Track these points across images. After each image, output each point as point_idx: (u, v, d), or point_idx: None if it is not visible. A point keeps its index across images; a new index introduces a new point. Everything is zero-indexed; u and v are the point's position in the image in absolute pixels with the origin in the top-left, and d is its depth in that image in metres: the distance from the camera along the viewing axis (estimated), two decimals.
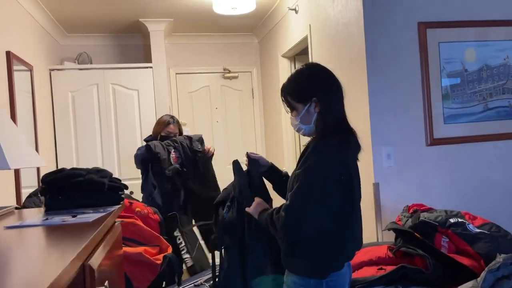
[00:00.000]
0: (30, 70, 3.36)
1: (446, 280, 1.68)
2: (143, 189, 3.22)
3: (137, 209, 2.49)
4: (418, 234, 1.84)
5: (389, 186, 2.55)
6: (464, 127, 2.64)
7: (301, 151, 1.59)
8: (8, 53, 2.86)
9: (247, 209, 1.70)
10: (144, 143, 3.38)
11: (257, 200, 1.69)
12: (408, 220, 1.96)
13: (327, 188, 1.45)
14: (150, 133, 3.36)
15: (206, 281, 2.30)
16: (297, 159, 1.58)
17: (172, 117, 3.33)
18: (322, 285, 1.48)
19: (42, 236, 1.19)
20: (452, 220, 1.82)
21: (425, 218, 1.88)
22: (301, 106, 1.55)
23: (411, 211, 2.03)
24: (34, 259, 0.96)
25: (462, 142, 2.64)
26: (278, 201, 1.72)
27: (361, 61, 2.60)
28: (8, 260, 0.95)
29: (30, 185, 3.04)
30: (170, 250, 2.12)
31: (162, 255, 2.04)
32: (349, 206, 1.50)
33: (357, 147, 1.56)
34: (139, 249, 1.97)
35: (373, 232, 2.49)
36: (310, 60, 3.40)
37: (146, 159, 3.09)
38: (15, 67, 2.95)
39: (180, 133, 3.33)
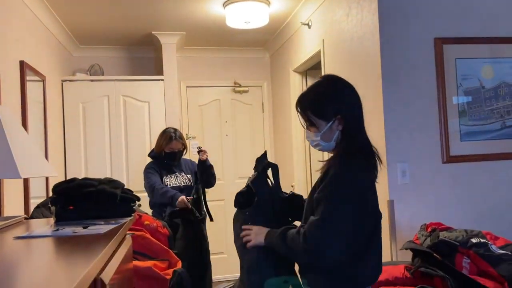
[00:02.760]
0: (43, 80, 3.36)
1: None
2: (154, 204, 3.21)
3: (146, 222, 2.44)
4: (438, 254, 1.77)
5: (404, 204, 2.49)
6: (482, 145, 2.58)
7: (321, 169, 1.50)
8: (21, 63, 2.87)
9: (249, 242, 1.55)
10: (149, 159, 3.35)
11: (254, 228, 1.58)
12: (426, 239, 1.89)
13: (362, 207, 1.39)
14: None
15: None
16: (309, 177, 1.53)
17: (175, 131, 3.32)
18: None
19: (52, 248, 1.15)
20: (474, 240, 1.75)
21: (445, 237, 1.81)
22: (323, 123, 1.44)
23: (429, 229, 1.96)
24: (43, 272, 0.92)
25: (479, 160, 2.58)
26: None
27: (376, 76, 2.57)
28: (16, 272, 0.91)
29: (38, 195, 3.01)
30: (179, 265, 2.07)
31: (171, 269, 1.98)
32: (374, 226, 1.44)
33: (377, 167, 1.50)
34: (148, 263, 1.91)
35: (387, 250, 2.41)
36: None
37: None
38: (28, 77, 2.95)
39: (184, 147, 3.32)
